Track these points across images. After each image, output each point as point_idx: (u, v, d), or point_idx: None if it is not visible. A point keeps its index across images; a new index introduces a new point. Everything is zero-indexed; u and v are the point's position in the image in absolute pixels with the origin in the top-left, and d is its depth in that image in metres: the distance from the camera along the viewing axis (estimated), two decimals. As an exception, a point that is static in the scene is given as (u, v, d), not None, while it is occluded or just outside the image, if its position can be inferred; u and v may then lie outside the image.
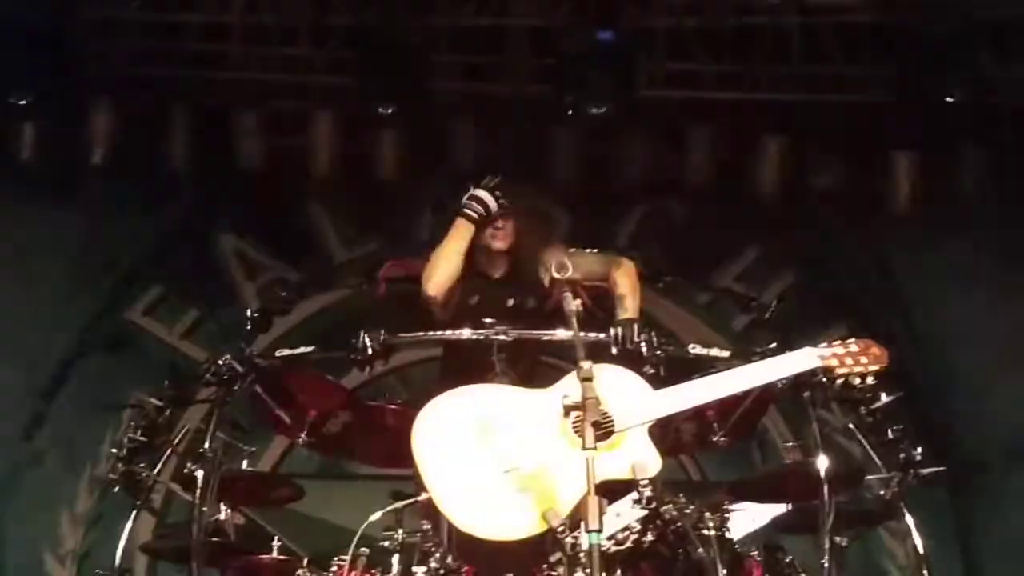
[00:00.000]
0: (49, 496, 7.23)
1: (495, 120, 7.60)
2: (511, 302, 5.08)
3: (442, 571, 4.38)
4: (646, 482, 4.06)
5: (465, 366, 4.87)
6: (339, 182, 7.72)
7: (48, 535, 7.18)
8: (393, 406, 5.24)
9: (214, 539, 5.15)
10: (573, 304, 4.24)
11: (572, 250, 5.15)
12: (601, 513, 3.57)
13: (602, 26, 7.01)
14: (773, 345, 4.98)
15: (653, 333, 4.80)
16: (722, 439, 5.21)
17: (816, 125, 7.56)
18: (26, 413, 7.34)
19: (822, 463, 4.94)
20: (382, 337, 4.86)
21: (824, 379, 4.57)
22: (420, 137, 7.61)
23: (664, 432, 4.52)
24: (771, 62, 7.39)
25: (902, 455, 5.32)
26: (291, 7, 7.31)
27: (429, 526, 4.52)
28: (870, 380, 4.36)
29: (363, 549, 4.56)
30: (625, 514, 4.09)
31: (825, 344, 4.41)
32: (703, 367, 4.84)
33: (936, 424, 7.14)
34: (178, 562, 5.56)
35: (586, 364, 3.84)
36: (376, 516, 4.54)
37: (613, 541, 4.07)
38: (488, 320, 4.85)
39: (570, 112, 7.24)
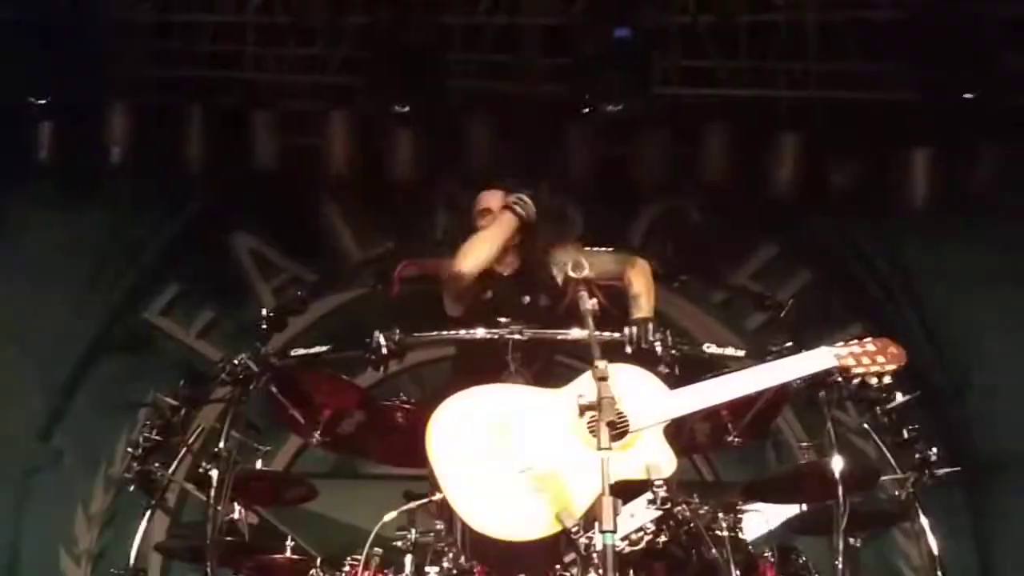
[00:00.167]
0: (64, 495, 7.26)
1: (510, 119, 7.59)
2: (526, 300, 5.09)
3: (455, 571, 4.37)
4: (660, 482, 4.05)
5: (479, 366, 4.86)
6: (354, 182, 7.72)
7: (63, 534, 7.20)
8: (407, 406, 5.24)
9: (228, 538, 5.16)
10: (589, 303, 4.23)
11: (587, 249, 5.14)
12: (615, 513, 3.56)
13: (618, 24, 6.99)
14: (789, 344, 4.96)
15: (668, 332, 4.78)
16: (736, 439, 5.19)
17: (833, 122, 7.52)
18: (43, 412, 7.37)
19: (837, 463, 4.91)
20: (397, 336, 4.86)
21: (840, 379, 4.56)
22: (435, 137, 7.60)
23: (678, 432, 4.50)
24: (787, 59, 7.36)
25: (917, 455, 5.29)
26: (306, 8, 7.32)
27: (442, 526, 4.51)
28: (887, 380, 4.35)
29: (376, 549, 4.55)
30: (639, 515, 4.08)
31: (842, 343, 4.40)
32: (718, 366, 4.82)
33: (952, 424, 7.11)
34: (192, 561, 5.57)
35: (601, 363, 3.83)
36: (390, 516, 4.54)
37: (627, 542, 4.06)
38: (503, 319, 4.85)
39: (585, 111, 7.23)
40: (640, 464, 4.11)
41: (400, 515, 4.57)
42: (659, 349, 4.70)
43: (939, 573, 5.35)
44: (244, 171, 7.67)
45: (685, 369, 4.70)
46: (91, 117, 7.52)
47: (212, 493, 4.95)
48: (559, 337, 4.85)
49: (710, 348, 4.96)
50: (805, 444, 5.67)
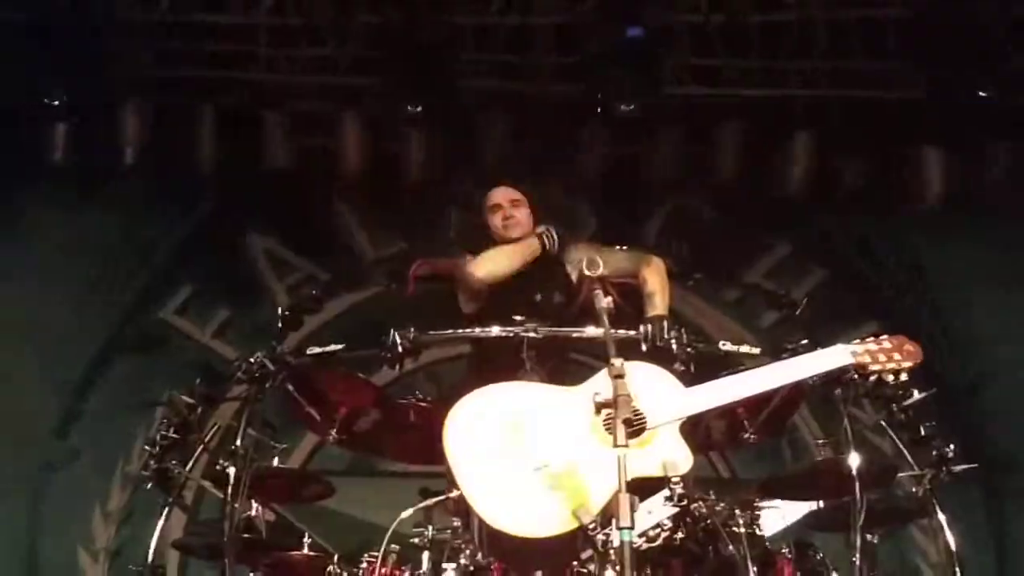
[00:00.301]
0: (82, 493, 7.26)
1: (522, 119, 7.60)
2: (538, 296, 5.10)
3: (472, 568, 4.38)
4: (677, 479, 4.05)
5: (494, 363, 4.88)
6: (367, 181, 7.75)
7: (81, 532, 7.22)
8: (423, 404, 5.25)
9: (245, 536, 5.16)
10: (604, 301, 4.24)
11: (601, 247, 5.16)
12: (632, 510, 3.57)
13: (629, 23, 7.00)
14: (804, 342, 4.96)
15: (683, 330, 4.79)
16: (752, 436, 5.19)
17: (844, 121, 7.52)
18: (59, 411, 7.39)
19: (853, 460, 4.90)
20: (412, 335, 4.87)
21: (856, 376, 4.56)
22: (447, 136, 7.62)
23: (694, 429, 4.50)
24: (798, 58, 7.37)
25: (934, 452, 5.28)
26: (317, 8, 7.34)
27: (459, 523, 4.53)
28: (903, 377, 4.35)
29: (393, 546, 4.56)
30: (656, 511, 4.08)
31: (858, 341, 4.40)
32: (733, 364, 4.82)
33: (969, 421, 7.10)
34: (210, 559, 5.59)
35: (617, 361, 3.84)
36: (407, 513, 4.55)
37: (644, 538, 4.06)
38: (517, 317, 4.86)
39: (598, 110, 7.24)
40: (657, 461, 4.11)
41: (417, 512, 4.58)
42: (674, 347, 4.70)
43: (957, 569, 5.34)
44: (256, 171, 7.70)
45: (700, 367, 4.70)
46: (104, 118, 7.56)
47: (229, 490, 4.97)
48: (574, 335, 4.86)
49: (725, 345, 4.95)
50: (821, 441, 5.67)
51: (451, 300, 5.25)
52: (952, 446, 5.27)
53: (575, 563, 4.17)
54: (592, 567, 4.02)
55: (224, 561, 4.93)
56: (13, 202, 7.60)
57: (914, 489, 5.34)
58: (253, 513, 5.35)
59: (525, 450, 4.23)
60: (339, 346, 5.21)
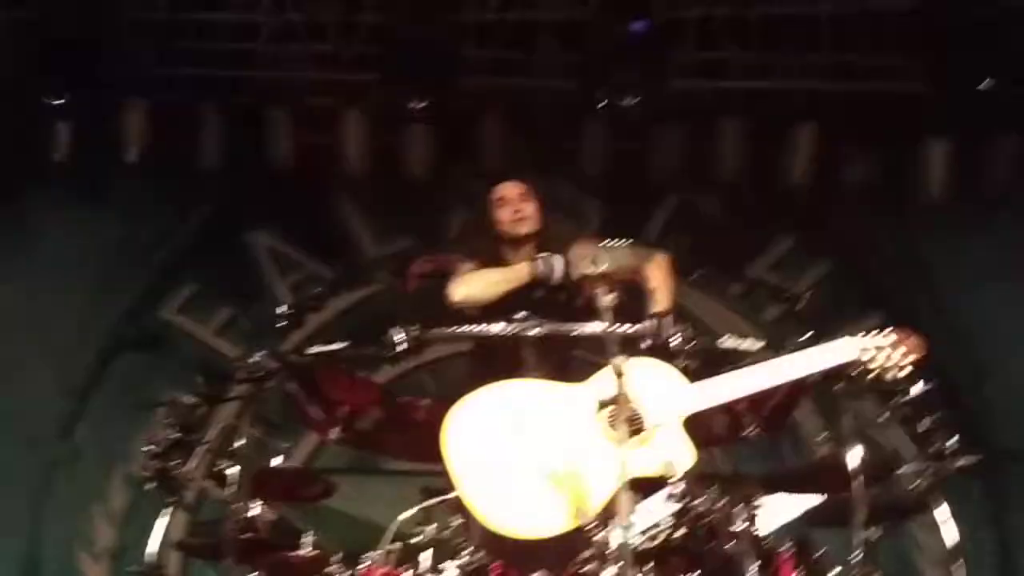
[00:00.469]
0: (83, 494, 7.27)
1: (525, 114, 7.58)
2: (539, 293, 5.08)
3: (472, 567, 4.37)
4: (678, 476, 4.05)
5: (496, 361, 4.87)
6: (370, 178, 7.74)
7: (82, 532, 7.22)
8: (425, 402, 5.24)
9: (247, 535, 5.17)
10: (607, 298, 4.22)
11: (604, 243, 5.14)
12: (633, 509, 3.56)
13: (633, 17, 6.98)
14: (808, 335, 4.94)
15: (686, 326, 4.78)
16: (754, 432, 5.18)
17: (848, 114, 7.49)
18: (61, 412, 7.39)
19: (855, 455, 4.89)
20: (414, 333, 4.86)
21: (860, 369, 4.54)
22: (450, 133, 7.61)
23: (696, 425, 4.49)
24: (802, 52, 7.34)
25: (936, 446, 5.27)
26: (319, 5, 7.33)
27: (460, 522, 4.52)
28: (908, 370, 4.34)
29: (394, 544, 4.56)
30: (657, 509, 4.08)
31: (863, 334, 4.39)
32: (737, 360, 4.81)
33: (970, 415, 7.08)
34: (211, 559, 5.60)
35: (620, 358, 3.83)
36: (409, 513, 4.54)
37: (645, 537, 4.05)
38: (520, 314, 4.85)
39: (600, 105, 7.23)
40: (659, 459, 4.10)
41: (418, 511, 4.58)
42: (678, 343, 4.70)
43: (959, 563, 5.33)
44: (260, 169, 7.69)
45: (704, 363, 4.69)
46: (107, 117, 7.55)
47: (231, 490, 4.97)
48: (576, 332, 4.85)
49: (728, 342, 4.94)
50: (823, 436, 5.66)
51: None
52: (954, 440, 5.26)
53: (575, 562, 4.15)
54: (592, 566, 4.00)
55: (227, 561, 4.94)
56: (16, 202, 7.60)
57: (916, 483, 5.33)
58: (255, 512, 5.34)
59: (527, 448, 4.24)
60: (341, 344, 5.20)
